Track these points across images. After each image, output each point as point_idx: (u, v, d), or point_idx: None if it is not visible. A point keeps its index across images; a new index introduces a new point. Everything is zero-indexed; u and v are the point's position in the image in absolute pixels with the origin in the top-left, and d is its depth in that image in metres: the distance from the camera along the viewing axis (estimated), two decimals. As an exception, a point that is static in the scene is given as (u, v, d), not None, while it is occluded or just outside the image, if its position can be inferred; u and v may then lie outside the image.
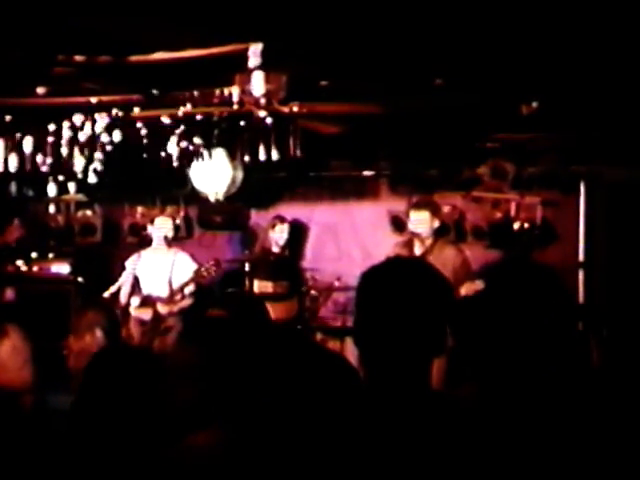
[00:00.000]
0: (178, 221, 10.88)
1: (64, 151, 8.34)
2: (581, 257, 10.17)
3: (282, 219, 10.19)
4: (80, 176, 9.12)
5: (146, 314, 9.12)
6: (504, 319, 3.13)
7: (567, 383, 3.08)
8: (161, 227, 9.56)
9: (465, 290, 7.86)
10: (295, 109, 7.77)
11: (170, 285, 9.29)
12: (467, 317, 3.22)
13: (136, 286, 9.36)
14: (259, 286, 9.16)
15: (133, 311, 9.17)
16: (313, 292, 10.08)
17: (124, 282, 9.31)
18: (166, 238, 9.52)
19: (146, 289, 9.33)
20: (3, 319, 5.42)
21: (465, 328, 3.23)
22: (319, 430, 3.11)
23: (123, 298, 9.23)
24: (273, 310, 5.13)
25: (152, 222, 9.68)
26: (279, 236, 9.98)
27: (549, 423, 3.02)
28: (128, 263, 9.47)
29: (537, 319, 3.12)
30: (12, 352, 5.12)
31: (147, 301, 9.24)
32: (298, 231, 10.86)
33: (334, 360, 3.50)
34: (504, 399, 3.09)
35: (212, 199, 9.75)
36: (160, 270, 9.37)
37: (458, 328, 3.28)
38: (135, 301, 9.23)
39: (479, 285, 7.74)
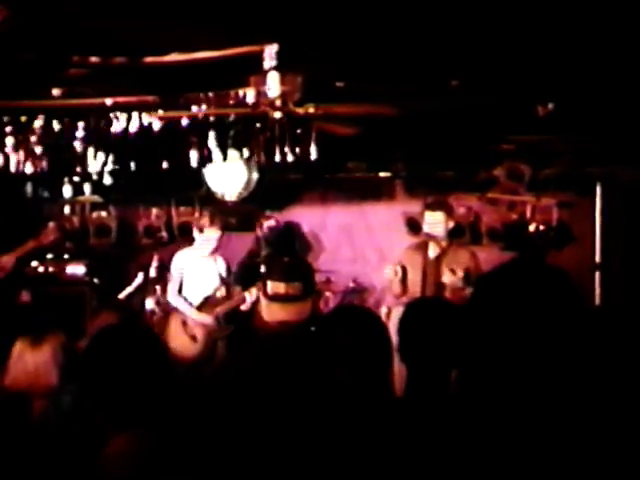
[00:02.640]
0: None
1: (79, 152, 8.35)
2: (597, 259, 10.13)
3: (267, 217, 10.17)
4: (95, 177, 9.13)
5: (208, 317, 8.93)
6: (516, 322, 3.13)
7: (579, 385, 3.07)
8: (209, 239, 9.16)
9: None
10: (310, 110, 7.76)
11: (228, 287, 9.15)
12: (480, 319, 3.23)
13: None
14: (272, 287, 9.07)
15: (194, 315, 8.94)
16: (328, 294, 10.06)
17: (174, 281, 9.12)
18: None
19: (193, 291, 9.11)
20: (38, 326, 5.43)
21: (477, 331, 3.24)
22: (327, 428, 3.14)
23: (172, 298, 9.10)
24: (285, 312, 5.11)
25: (201, 230, 9.22)
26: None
27: (560, 425, 3.01)
28: (178, 262, 9.20)
29: (549, 322, 3.11)
30: (48, 359, 5.14)
31: (207, 303, 9.07)
32: (292, 232, 10.82)
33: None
34: (513, 401, 3.09)
35: (229, 200, 9.71)
36: (206, 274, 9.16)
37: (471, 332, 3.28)
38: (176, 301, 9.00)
39: None
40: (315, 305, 9.48)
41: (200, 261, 9.19)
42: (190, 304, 8.99)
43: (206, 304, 9.04)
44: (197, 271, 9.18)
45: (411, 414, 3.36)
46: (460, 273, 8.23)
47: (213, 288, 9.14)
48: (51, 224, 10.21)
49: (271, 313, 5.16)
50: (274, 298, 5.20)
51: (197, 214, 11.03)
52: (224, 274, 9.24)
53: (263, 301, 5.34)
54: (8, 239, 10.12)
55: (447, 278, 8.28)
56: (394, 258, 8.89)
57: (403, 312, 3.75)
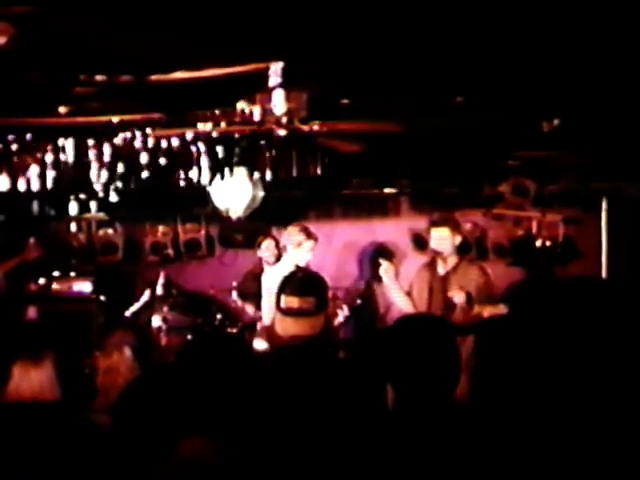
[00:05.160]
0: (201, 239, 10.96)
1: (85, 170, 8.37)
2: (603, 274, 10.12)
3: (264, 237, 10.18)
4: (101, 195, 9.15)
5: None
6: (535, 340, 3.13)
7: (596, 405, 3.08)
8: (310, 249, 9.03)
9: (487, 314, 7.77)
10: (316, 128, 7.77)
11: None
12: (494, 339, 3.22)
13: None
14: (285, 301, 8.97)
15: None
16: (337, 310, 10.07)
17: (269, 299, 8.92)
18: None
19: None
20: (39, 343, 5.46)
21: (492, 349, 3.23)
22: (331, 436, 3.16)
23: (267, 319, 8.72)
24: (299, 326, 5.12)
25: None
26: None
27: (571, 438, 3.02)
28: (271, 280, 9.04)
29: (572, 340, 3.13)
30: (51, 374, 5.16)
31: None
32: None
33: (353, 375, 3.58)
34: (526, 417, 3.09)
35: (234, 217, 9.70)
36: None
37: (484, 349, 3.28)
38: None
39: (502, 309, 7.67)
40: (328, 320, 9.47)
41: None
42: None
43: None
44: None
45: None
46: (463, 295, 8.20)
47: None
48: (31, 240, 10.30)
49: (284, 327, 5.18)
50: (287, 312, 5.22)
51: (203, 231, 11.08)
52: None
53: (277, 315, 5.37)
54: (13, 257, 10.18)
55: (457, 298, 8.22)
56: (400, 274, 8.89)
57: (386, 331, 3.73)
